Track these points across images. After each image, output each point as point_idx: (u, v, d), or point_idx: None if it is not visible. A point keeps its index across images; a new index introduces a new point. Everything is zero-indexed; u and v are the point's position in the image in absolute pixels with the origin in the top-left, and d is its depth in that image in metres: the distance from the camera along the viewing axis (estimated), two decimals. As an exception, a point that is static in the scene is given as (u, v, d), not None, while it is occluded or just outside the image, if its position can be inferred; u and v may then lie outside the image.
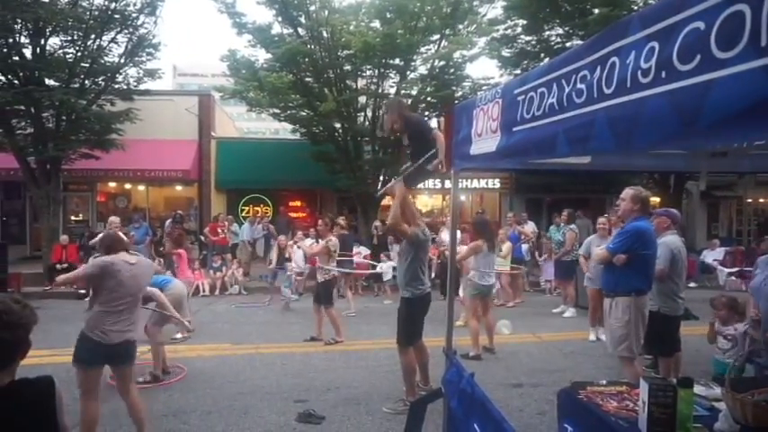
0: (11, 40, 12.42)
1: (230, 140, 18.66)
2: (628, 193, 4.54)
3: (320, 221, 8.15)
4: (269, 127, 49.87)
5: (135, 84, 14.55)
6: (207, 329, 8.04)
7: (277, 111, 15.02)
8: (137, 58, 14.19)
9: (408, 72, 14.48)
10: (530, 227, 12.53)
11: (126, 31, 13.82)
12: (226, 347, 6.82)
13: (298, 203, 18.03)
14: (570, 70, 1.77)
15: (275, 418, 4.70)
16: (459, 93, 14.63)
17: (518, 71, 15.23)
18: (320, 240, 7.86)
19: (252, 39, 14.38)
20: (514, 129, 2.26)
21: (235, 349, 6.76)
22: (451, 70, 14.43)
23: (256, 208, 17.27)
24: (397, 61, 13.81)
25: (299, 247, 9.81)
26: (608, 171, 12.02)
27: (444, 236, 9.03)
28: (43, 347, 5.68)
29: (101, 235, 5.38)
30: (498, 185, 17.82)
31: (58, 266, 11.90)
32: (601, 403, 2.91)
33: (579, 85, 1.71)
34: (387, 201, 17.77)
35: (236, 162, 16.93)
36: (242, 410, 4.90)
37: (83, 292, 9.58)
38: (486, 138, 2.61)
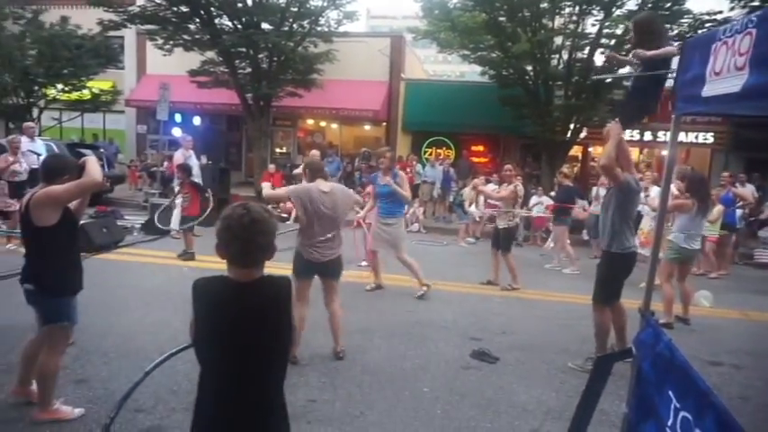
0: (238, -12, 14.04)
1: (419, 82, 18.92)
2: None
3: (507, 166, 8.04)
4: (455, 70, 49.43)
5: (335, 26, 15.50)
6: (388, 261, 8.58)
7: (467, 52, 14.79)
8: (337, 1, 15.02)
9: (614, 8, 12.98)
10: (749, 189, 10.78)
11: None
12: (405, 279, 7.22)
13: (480, 148, 17.85)
14: None
15: (451, 351, 4.92)
16: (676, 31, 12.75)
17: (756, 2, 12.68)
18: (506, 184, 7.71)
19: (447, -23, 14.14)
20: (773, 65, 1.90)
21: (414, 282, 7.12)
22: (667, 4, 12.57)
23: (439, 150, 17.52)
24: (603, -5, 12.46)
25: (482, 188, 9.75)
26: None
27: (653, 191, 8.13)
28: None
29: (307, 160, 5.91)
30: (711, 140, 15.48)
31: (267, 192, 13.58)
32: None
33: None
34: (574, 151, 16.71)
35: (424, 104, 17.21)
36: (420, 338, 5.21)
37: (285, 215, 10.85)
38: (726, 77, 2.25)
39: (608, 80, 12.39)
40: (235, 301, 1.83)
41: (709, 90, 2.42)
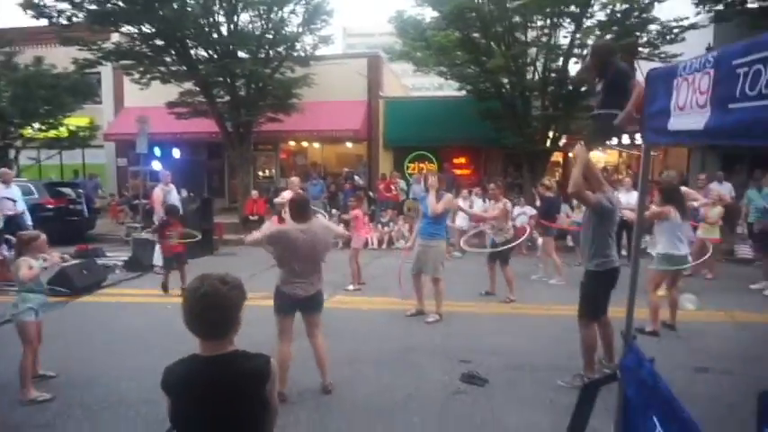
0: (211, 20, 14.10)
1: (397, 99, 19.08)
2: None
3: (492, 185, 8.35)
4: (433, 82, 49.79)
5: (311, 50, 15.62)
6: (376, 283, 8.57)
7: (443, 69, 14.93)
8: (312, 26, 15.17)
9: (585, 19, 13.22)
10: (726, 188, 10.94)
11: (303, 1, 14.73)
12: (395, 301, 7.20)
13: (462, 160, 17.96)
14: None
15: (440, 376, 4.90)
16: (645, 39, 13.02)
17: (720, 6, 13.00)
18: (494, 202, 8.06)
19: (419, -3, 14.32)
20: (731, 106, 1.94)
21: (404, 303, 7.11)
22: (635, 13, 12.83)
23: (421, 165, 17.60)
24: (572, 8, 12.68)
25: (465, 210, 9.89)
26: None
27: (622, 198, 8.29)
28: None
29: (286, 195, 5.89)
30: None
31: (251, 218, 13.55)
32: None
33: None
34: (555, 157, 16.88)
35: (403, 120, 17.34)
36: (409, 365, 5.19)
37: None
38: (690, 113, 2.29)
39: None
40: (202, 376, 1.81)
41: (674, 124, 2.46)
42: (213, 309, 1.78)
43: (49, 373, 4.77)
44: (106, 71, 18.54)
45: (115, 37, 15.26)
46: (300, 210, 4.39)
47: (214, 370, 1.81)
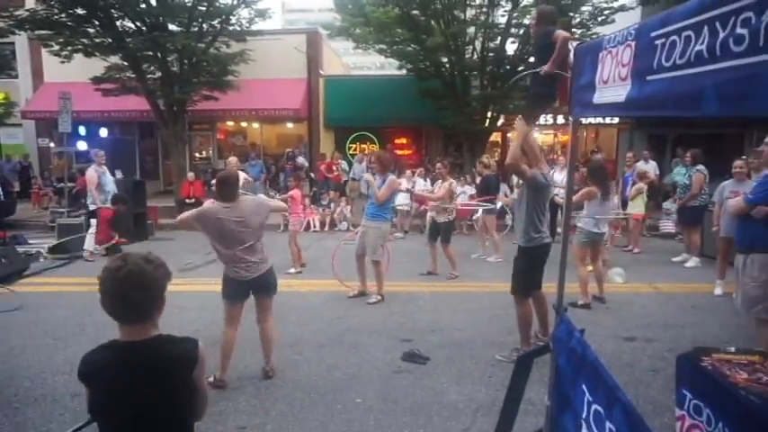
0: (138, -12, 13.22)
1: (338, 78, 18.82)
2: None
3: (439, 164, 8.47)
4: (374, 61, 49.49)
5: (247, 25, 15.02)
6: (318, 265, 8.49)
7: (383, 47, 14.81)
8: (248, -1, 14.55)
9: (521, -1, 13.45)
10: (651, 167, 11.55)
11: (238, -29, 14.13)
12: (335, 284, 7.16)
13: (404, 141, 18.04)
14: (729, 11, 1.49)
15: (382, 356, 4.92)
16: (578, 19, 13.40)
17: (650, -10, 13.53)
18: (441, 182, 8.21)
19: (358, -28, 14.08)
20: (649, 78, 1.99)
21: (343, 286, 7.08)
22: (569, -7, 13.17)
23: (363, 145, 17.52)
24: (509, -13, 12.86)
25: (410, 190, 9.94)
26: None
27: (556, 176, 8.60)
28: (177, 276, 6.34)
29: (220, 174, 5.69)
30: (617, 120, 16.47)
31: (187, 201, 13.05)
32: (728, 374, 2.68)
33: (740, 30, 1.44)
34: (494, 137, 17.23)
35: (344, 100, 17.14)
36: (351, 345, 5.19)
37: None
38: (612, 86, 2.35)
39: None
40: (124, 363, 1.69)
41: (599, 97, 2.52)
42: (137, 289, 1.67)
43: (-36, 370, 4.44)
44: (21, 42, 17.17)
45: (30, 3, 14.06)
46: (225, 188, 4.11)
47: (137, 356, 1.70)
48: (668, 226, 11.29)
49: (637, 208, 9.72)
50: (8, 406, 3.96)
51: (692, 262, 8.65)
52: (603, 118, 16.52)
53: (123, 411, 1.69)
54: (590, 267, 6.62)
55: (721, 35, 1.53)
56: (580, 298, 6.35)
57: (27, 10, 13.61)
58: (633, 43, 2.17)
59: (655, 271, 8.28)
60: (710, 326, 5.77)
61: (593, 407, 2.60)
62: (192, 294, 6.41)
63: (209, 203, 4.60)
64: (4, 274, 7.41)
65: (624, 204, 10.19)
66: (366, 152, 16.65)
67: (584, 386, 2.69)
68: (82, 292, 6.96)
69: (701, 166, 8.91)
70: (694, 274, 8.08)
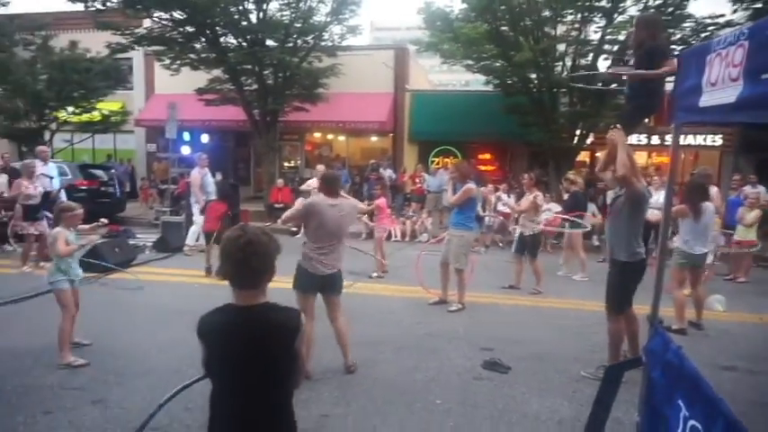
0: (240, 8, 14.27)
1: (424, 92, 19.03)
2: None
3: (526, 176, 8.52)
4: (459, 79, 49.60)
5: (338, 40, 15.70)
6: (398, 273, 8.62)
7: (470, 62, 14.86)
8: (341, 16, 15.23)
9: (616, 15, 13.02)
10: (760, 190, 10.69)
11: (332, -10, 14.85)
12: (417, 290, 7.23)
13: (487, 156, 17.87)
14: None
15: (462, 362, 4.92)
16: (678, 35, 12.76)
17: (759, 5, 12.65)
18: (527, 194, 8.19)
19: (448, -12, 14.29)
20: (764, 76, 1.94)
21: (426, 293, 7.13)
22: (670, 9, 12.59)
23: (446, 159, 17.56)
24: (603, 2, 12.51)
25: (503, 204, 9.96)
26: None
27: (656, 195, 8.19)
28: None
29: (312, 183, 6.02)
30: (720, 142, 15.41)
31: (276, 206, 13.70)
32: None
33: None
34: (581, 156, 16.65)
35: (429, 114, 17.29)
36: (431, 350, 5.22)
37: (294, 229, 10.91)
38: (722, 87, 2.28)
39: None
40: (238, 324, 1.86)
41: (706, 100, 2.45)
42: (256, 255, 1.84)
43: (84, 341, 4.94)
44: (138, 58, 18.92)
45: (147, 23, 15.55)
46: (330, 185, 4.51)
47: (250, 319, 1.87)
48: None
49: (748, 234, 8.98)
50: (121, 375, 4.37)
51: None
52: (705, 139, 15.54)
53: (236, 370, 1.86)
54: (686, 291, 6.25)
55: None
56: (675, 322, 5.98)
57: (145, 28, 15.08)
58: (746, 42, 2.11)
59: (763, 302, 7.62)
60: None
61: (690, 422, 2.50)
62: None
63: (300, 203, 4.95)
64: (119, 261, 8.19)
65: (728, 229, 9.44)
66: (447, 166, 16.66)
67: (680, 401, 2.58)
68: (179, 282, 7.51)
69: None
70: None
